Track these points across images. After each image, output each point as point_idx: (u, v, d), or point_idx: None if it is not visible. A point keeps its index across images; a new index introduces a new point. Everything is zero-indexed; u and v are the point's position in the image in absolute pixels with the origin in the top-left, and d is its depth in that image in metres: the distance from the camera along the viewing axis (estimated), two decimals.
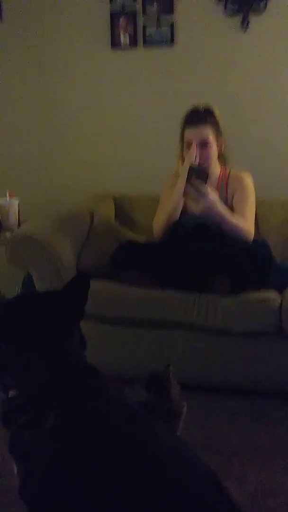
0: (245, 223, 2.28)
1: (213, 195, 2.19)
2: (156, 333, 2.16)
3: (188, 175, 2.19)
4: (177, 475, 0.98)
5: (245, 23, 2.77)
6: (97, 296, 2.15)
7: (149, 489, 0.95)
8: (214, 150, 2.35)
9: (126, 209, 2.83)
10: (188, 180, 2.18)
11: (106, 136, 3.06)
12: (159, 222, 2.42)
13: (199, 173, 2.19)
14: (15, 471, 1.05)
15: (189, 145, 2.33)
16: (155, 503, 0.94)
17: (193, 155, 2.29)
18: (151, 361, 1.77)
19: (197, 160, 2.29)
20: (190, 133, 2.33)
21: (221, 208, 2.23)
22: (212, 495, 1.00)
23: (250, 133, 2.88)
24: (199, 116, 2.33)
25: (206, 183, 2.19)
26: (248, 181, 2.42)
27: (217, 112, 2.39)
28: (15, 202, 2.65)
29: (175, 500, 0.94)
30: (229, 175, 2.43)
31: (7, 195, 2.67)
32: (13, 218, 2.62)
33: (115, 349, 2.19)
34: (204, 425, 1.94)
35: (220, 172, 2.44)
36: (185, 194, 2.22)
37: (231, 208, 2.34)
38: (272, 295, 2.06)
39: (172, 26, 2.86)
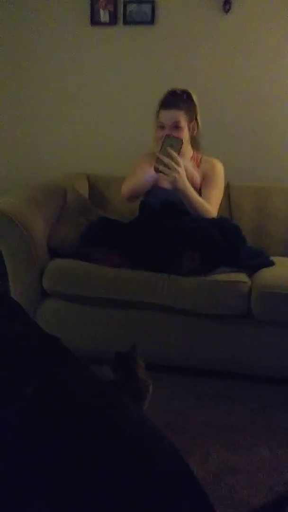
0: (209, 206, 2.30)
1: (183, 169, 2.21)
2: (124, 313, 2.16)
3: (162, 145, 2.20)
4: (143, 445, 1.00)
5: (227, 4, 2.76)
6: (65, 275, 2.14)
7: (115, 459, 0.97)
8: (185, 133, 2.37)
9: (100, 188, 2.81)
10: (162, 149, 2.19)
11: (83, 114, 3.03)
12: (127, 185, 2.44)
13: (173, 142, 2.20)
14: None
15: (161, 127, 2.36)
16: (119, 472, 0.96)
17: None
18: (119, 341, 1.77)
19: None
20: (163, 116, 2.36)
21: (188, 184, 2.25)
22: (176, 469, 1.02)
23: (227, 116, 2.88)
24: (174, 100, 2.35)
25: (179, 151, 2.21)
26: (219, 168, 2.45)
27: (195, 97, 2.40)
28: None
29: (139, 470, 0.96)
30: (201, 159, 2.47)
31: None
32: None
33: (83, 328, 2.19)
34: (169, 404, 1.97)
35: (192, 156, 2.46)
36: (156, 162, 2.21)
37: (199, 192, 2.37)
38: (241, 278, 2.09)
39: (153, 5, 2.83)
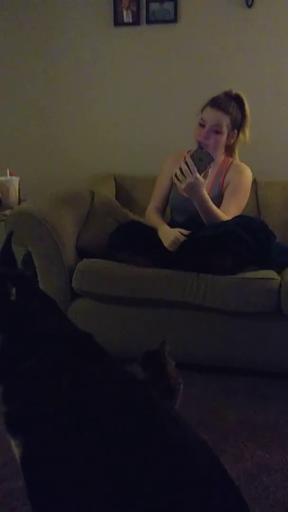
0: (225, 217, 2.20)
1: (201, 179, 2.12)
2: (154, 313, 2.16)
3: (192, 154, 2.15)
4: (176, 442, 1.00)
5: (249, 0, 2.72)
6: (95, 274, 2.15)
7: (146, 455, 0.97)
8: (223, 139, 2.29)
9: (126, 189, 2.82)
10: (191, 157, 2.14)
11: (108, 115, 3.04)
12: (147, 218, 2.45)
13: (203, 157, 2.13)
14: (13, 445, 1.06)
15: (201, 125, 2.27)
16: (153, 467, 0.96)
17: (201, 136, 2.27)
18: (148, 341, 1.77)
19: (202, 141, 2.26)
20: (208, 114, 2.26)
21: (205, 194, 2.16)
22: (209, 467, 1.02)
23: (253, 111, 2.84)
24: (225, 102, 2.27)
25: (205, 167, 2.13)
26: (246, 176, 2.36)
27: (247, 107, 2.33)
28: (16, 180, 2.64)
29: (171, 467, 0.96)
30: (230, 164, 2.40)
31: (8, 173, 2.66)
32: (13, 196, 2.61)
33: (112, 328, 2.19)
34: (200, 403, 1.96)
35: (223, 160, 2.40)
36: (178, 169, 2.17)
37: (222, 195, 2.33)
38: (271, 275, 2.06)
39: (175, 3, 2.82)
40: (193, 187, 2.12)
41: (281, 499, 1.47)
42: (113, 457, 0.96)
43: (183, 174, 2.11)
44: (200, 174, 2.12)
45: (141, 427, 1.00)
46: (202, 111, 2.31)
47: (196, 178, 2.10)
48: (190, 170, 2.10)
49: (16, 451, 1.04)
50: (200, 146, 2.21)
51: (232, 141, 2.35)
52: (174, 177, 2.16)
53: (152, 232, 2.29)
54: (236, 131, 2.33)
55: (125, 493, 0.94)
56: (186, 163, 2.11)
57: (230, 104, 2.27)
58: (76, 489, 0.96)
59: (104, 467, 0.95)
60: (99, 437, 0.98)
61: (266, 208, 2.64)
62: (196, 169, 2.10)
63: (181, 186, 2.13)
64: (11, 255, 1.23)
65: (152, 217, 2.44)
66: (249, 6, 2.74)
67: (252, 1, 2.73)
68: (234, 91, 2.32)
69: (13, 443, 1.05)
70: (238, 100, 2.31)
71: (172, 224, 2.42)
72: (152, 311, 2.16)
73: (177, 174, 2.13)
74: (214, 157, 2.17)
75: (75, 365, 1.06)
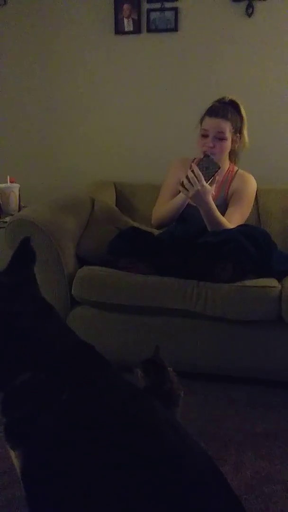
0: (229, 226, 2.22)
1: (208, 187, 2.15)
2: (154, 320, 2.15)
3: (198, 163, 2.18)
4: (177, 451, 0.99)
5: (249, 9, 2.74)
6: (95, 282, 2.14)
7: (148, 463, 0.96)
8: (228, 145, 2.32)
9: (127, 196, 2.82)
10: (197, 165, 2.17)
11: (108, 123, 3.04)
12: (157, 215, 2.43)
13: (209, 165, 2.17)
14: (13, 456, 1.04)
15: (204, 135, 2.30)
16: (153, 476, 0.95)
17: (206, 146, 2.29)
18: (148, 348, 1.76)
19: (208, 150, 2.28)
20: (208, 123, 2.29)
21: (212, 202, 2.19)
22: (208, 474, 1.01)
23: (252, 119, 2.85)
24: (222, 109, 2.30)
25: (212, 175, 2.16)
26: (251, 185, 2.39)
27: (243, 110, 2.36)
28: (16, 187, 2.64)
29: (172, 476, 0.95)
30: (235, 173, 2.42)
31: (8, 180, 2.66)
32: (13, 203, 2.61)
33: (112, 335, 2.18)
34: (201, 412, 1.94)
35: (228, 168, 2.42)
36: (185, 177, 2.18)
37: (227, 204, 2.34)
38: (272, 283, 2.05)
39: (176, 12, 2.83)
40: (200, 195, 2.15)
41: (282, 509, 1.45)
42: (113, 467, 0.95)
43: (190, 182, 2.13)
44: (206, 182, 2.15)
45: (142, 437, 0.99)
46: (201, 122, 2.34)
47: (203, 186, 2.14)
48: (196, 178, 2.12)
49: (15, 462, 1.02)
50: (207, 155, 2.23)
51: (236, 145, 2.38)
52: (180, 186, 2.17)
53: (152, 239, 2.29)
54: (238, 134, 2.36)
55: (125, 502, 0.94)
56: (193, 171, 2.13)
57: (227, 110, 2.31)
58: (76, 500, 0.95)
59: (104, 478, 0.94)
60: (99, 448, 0.97)
61: (266, 215, 2.63)
62: (202, 177, 2.13)
63: (188, 194, 2.16)
64: (25, 260, 1.22)
65: (162, 207, 2.41)
66: (249, 16, 2.75)
67: (252, 11, 2.74)
68: (227, 97, 2.35)
69: (12, 454, 1.04)
70: (233, 105, 2.35)
71: (174, 229, 2.40)
72: (152, 319, 2.15)
73: (184, 183, 2.15)
74: (219, 166, 2.19)
75: (76, 376, 1.05)
